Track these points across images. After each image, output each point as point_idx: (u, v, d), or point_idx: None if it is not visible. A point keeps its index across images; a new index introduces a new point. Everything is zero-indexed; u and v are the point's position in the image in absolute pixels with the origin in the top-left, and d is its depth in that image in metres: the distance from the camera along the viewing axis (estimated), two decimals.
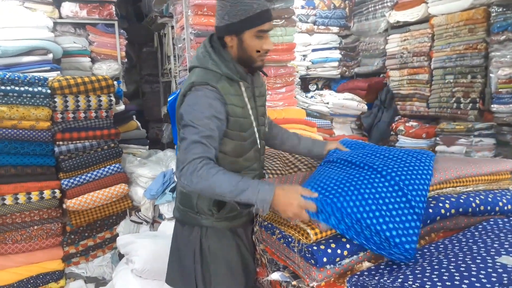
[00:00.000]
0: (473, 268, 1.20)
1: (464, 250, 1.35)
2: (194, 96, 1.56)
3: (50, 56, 3.33)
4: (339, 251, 1.38)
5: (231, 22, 1.55)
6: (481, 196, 1.60)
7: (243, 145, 1.69)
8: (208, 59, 1.62)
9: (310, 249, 1.38)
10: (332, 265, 1.38)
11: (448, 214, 1.50)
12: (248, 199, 1.40)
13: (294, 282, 1.49)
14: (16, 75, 2.87)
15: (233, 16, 1.54)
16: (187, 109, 1.55)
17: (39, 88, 2.91)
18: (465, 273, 1.18)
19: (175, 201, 1.86)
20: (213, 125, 1.52)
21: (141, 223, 3.39)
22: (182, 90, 1.62)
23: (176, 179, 1.60)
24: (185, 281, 1.78)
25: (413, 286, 1.17)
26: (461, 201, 1.53)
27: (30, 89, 2.87)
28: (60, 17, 3.86)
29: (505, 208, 1.60)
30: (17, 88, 2.83)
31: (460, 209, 1.52)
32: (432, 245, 1.45)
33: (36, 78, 2.94)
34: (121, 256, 3.09)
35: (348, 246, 1.40)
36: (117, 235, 3.28)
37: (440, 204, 1.50)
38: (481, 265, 1.21)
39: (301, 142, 1.98)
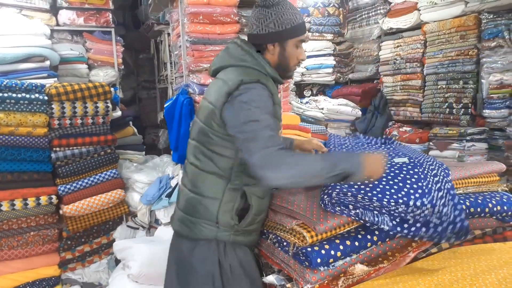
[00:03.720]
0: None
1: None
2: (247, 94, 1.47)
3: (48, 63, 3.35)
4: (332, 252, 1.41)
5: (277, 30, 1.57)
6: (471, 199, 1.64)
7: None
8: (251, 59, 1.59)
9: (304, 251, 1.41)
10: (325, 267, 1.41)
11: None
12: (344, 168, 1.39)
13: (288, 285, 1.52)
14: (13, 82, 2.89)
15: (280, 24, 1.57)
16: (242, 106, 1.46)
17: (36, 95, 2.93)
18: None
19: (179, 212, 1.68)
20: (272, 121, 1.48)
21: (138, 228, 3.40)
22: (224, 87, 1.51)
23: (261, 179, 1.41)
24: None
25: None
26: None
27: (28, 95, 2.89)
28: (58, 25, 3.88)
29: (494, 209, 1.64)
30: (14, 95, 2.85)
31: None
32: None
33: (34, 85, 2.96)
34: (117, 261, 3.10)
35: (341, 247, 1.44)
36: (113, 240, 3.29)
37: None
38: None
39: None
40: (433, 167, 1.65)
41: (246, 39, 1.68)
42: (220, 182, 1.58)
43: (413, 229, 1.48)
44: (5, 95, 2.82)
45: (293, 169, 1.37)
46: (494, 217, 1.67)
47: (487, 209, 1.62)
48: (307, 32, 1.68)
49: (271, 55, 1.63)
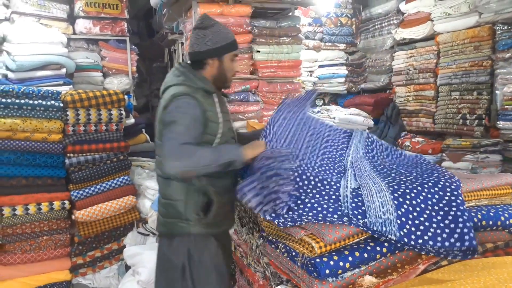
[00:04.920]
0: None
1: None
2: (176, 104, 1.74)
3: (64, 70, 3.43)
4: (341, 263, 1.40)
5: (214, 46, 1.84)
6: (483, 211, 1.62)
7: None
8: (184, 77, 1.84)
9: (313, 261, 1.40)
10: (334, 278, 1.40)
11: None
12: (228, 158, 1.70)
13: None
14: (30, 89, 2.96)
15: (216, 42, 1.84)
16: (170, 114, 1.74)
17: (52, 102, 2.99)
18: None
19: (159, 216, 1.95)
20: (192, 126, 1.74)
21: (148, 235, 3.42)
22: (163, 103, 1.80)
23: (164, 168, 1.74)
24: None
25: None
26: None
27: (43, 102, 2.96)
28: (74, 33, 3.98)
29: (507, 222, 1.61)
30: (31, 102, 2.92)
31: None
32: None
33: (49, 92, 3.02)
34: (127, 267, 3.12)
35: (350, 258, 1.42)
36: (124, 246, 3.31)
37: None
38: None
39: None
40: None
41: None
42: (180, 185, 1.82)
43: (420, 241, 1.47)
44: (22, 101, 2.89)
45: (187, 161, 1.65)
46: (507, 230, 1.64)
47: (499, 222, 1.60)
48: (238, 47, 1.98)
49: (211, 68, 1.88)
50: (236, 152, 1.73)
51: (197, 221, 1.82)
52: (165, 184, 1.88)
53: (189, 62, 1.94)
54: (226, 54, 1.87)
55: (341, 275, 1.42)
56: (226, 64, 1.89)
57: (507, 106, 3.47)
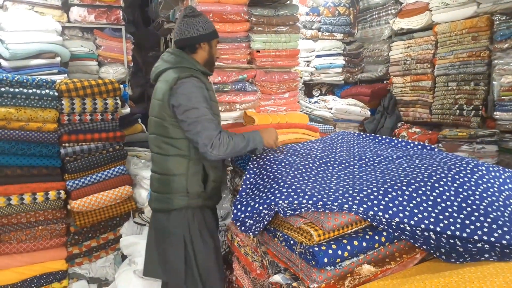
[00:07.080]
0: None
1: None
2: (184, 86, 1.93)
3: (58, 59, 3.38)
4: (339, 252, 1.40)
5: (206, 32, 2.09)
6: None
7: None
8: (183, 60, 2.06)
9: (311, 250, 1.40)
10: (332, 267, 1.41)
11: None
12: (254, 145, 1.97)
13: (294, 284, 1.51)
14: (24, 78, 2.91)
15: (207, 28, 2.10)
16: (182, 97, 1.92)
17: (47, 91, 2.95)
18: None
19: (154, 193, 2.10)
20: (208, 106, 1.96)
21: (144, 224, 3.41)
22: (166, 85, 1.97)
23: (204, 154, 1.92)
24: (169, 269, 2.04)
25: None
26: None
27: (38, 91, 2.92)
28: (69, 21, 3.91)
29: None
30: (25, 90, 2.88)
31: None
32: None
33: (44, 80, 2.98)
34: (124, 257, 3.12)
35: (348, 247, 1.43)
36: (120, 236, 3.31)
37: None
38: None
39: None
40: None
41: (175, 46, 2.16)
42: (183, 160, 2.00)
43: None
44: (16, 90, 2.85)
45: (228, 149, 1.88)
46: None
47: None
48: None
49: (203, 52, 2.12)
50: (258, 138, 1.97)
51: (197, 194, 2.02)
52: (164, 160, 2.03)
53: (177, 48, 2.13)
54: (213, 40, 2.14)
55: (339, 264, 1.42)
56: (214, 49, 2.16)
57: (504, 97, 3.48)
